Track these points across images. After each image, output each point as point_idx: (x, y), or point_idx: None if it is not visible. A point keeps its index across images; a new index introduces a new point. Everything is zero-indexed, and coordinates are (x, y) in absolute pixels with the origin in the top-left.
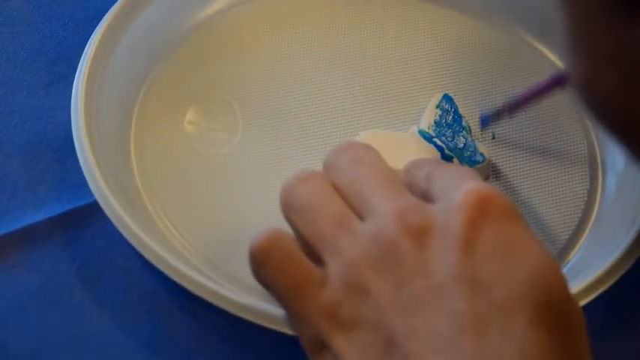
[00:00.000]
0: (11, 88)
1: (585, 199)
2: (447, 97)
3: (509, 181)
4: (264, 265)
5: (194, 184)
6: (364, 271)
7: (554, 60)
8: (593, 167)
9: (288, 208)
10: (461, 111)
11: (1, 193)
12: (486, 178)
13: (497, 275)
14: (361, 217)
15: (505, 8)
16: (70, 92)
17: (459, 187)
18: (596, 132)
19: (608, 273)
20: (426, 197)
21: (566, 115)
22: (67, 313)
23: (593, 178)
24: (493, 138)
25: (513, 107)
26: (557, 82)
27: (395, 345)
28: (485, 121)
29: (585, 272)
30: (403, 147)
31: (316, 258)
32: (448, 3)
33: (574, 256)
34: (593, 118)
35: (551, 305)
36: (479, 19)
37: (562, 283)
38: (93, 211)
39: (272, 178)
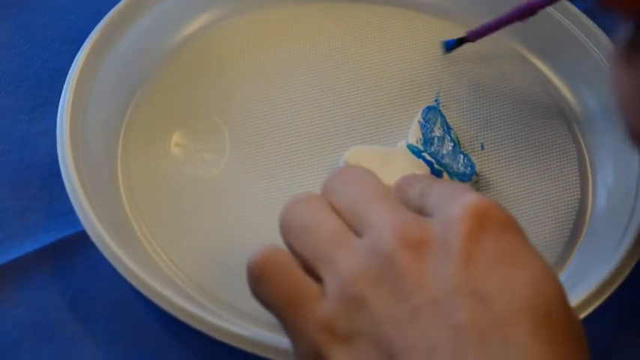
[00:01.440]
0: None
1: (577, 208)
2: (430, 109)
3: (500, 193)
4: (261, 280)
5: (183, 207)
6: (362, 285)
7: (543, 69)
8: (583, 176)
9: (286, 230)
10: (450, 123)
11: None
12: (477, 190)
13: (497, 286)
14: (358, 235)
15: (491, 16)
16: (55, 116)
17: (455, 200)
18: (585, 140)
19: (607, 283)
20: (422, 213)
21: (555, 125)
22: (61, 348)
23: (583, 187)
24: (482, 149)
25: (478, 33)
26: (520, 13)
27: (394, 358)
28: (449, 45)
29: (582, 283)
30: (392, 162)
31: (314, 276)
32: (436, 12)
33: (568, 266)
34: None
35: (552, 315)
36: (468, 27)
37: (561, 293)
38: (82, 239)
39: (261, 198)
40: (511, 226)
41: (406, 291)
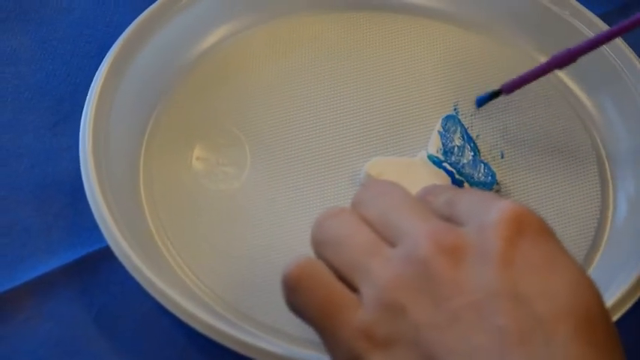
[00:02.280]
0: (18, 131)
1: (598, 216)
2: (449, 118)
3: (520, 202)
4: (297, 291)
5: (206, 222)
6: (399, 292)
7: (562, 77)
8: (603, 184)
9: (319, 244)
10: (469, 131)
11: (14, 241)
12: None
13: (537, 290)
14: (392, 244)
15: (510, 23)
16: (77, 131)
17: (490, 207)
18: (605, 148)
19: (630, 291)
20: (451, 222)
21: (575, 133)
22: None
23: (604, 195)
24: (502, 158)
25: (511, 86)
26: (556, 63)
27: None
28: (482, 100)
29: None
30: (413, 173)
31: (350, 287)
32: (451, 19)
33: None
34: None
35: (591, 318)
36: (484, 34)
37: (599, 297)
38: (106, 255)
39: (283, 211)
40: (547, 232)
41: (444, 296)
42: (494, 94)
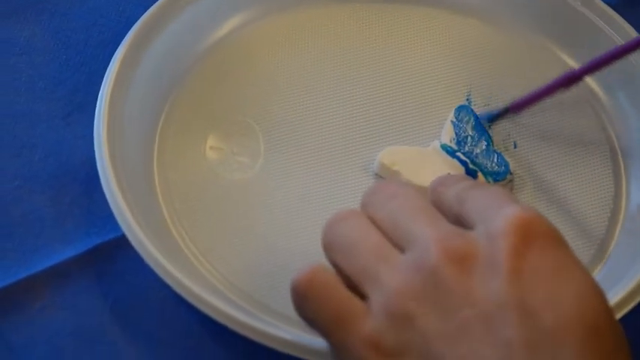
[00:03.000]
0: (32, 121)
1: (611, 205)
2: (462, 108)
3: (534, 191)
4: (306, 299)
5: (220, 211)
6: (407, 301)
7: (573, 64)
8: (616, 172)
9: (329, 248)
10: (482, 121)
11: (29, 230)
12: (511, 190)
13: (544, 301)
14: (401, 249)
15: (522, 13)
16: (91, 120)
17: (498, 211)
18: (617, 137)
19: None
20: (460, 221)
21: (588, 122)
22: (103, 352)
23: (617, 184)
24: (515, 147)
25: (520, 105)
26: (562, 82)
27: None
28: (491, 118)
29: (619, 281)
30: (426, 162)
31: (359, 294)
32: (464, 10)
33: (604, 264)
34: None
35: (600, 329)
36: (496, 25)
37: (608, 307)
38: (121, 244)
39: (296, 200)
40: (556, 239)
41: (453, 306)
42: (503, 113)
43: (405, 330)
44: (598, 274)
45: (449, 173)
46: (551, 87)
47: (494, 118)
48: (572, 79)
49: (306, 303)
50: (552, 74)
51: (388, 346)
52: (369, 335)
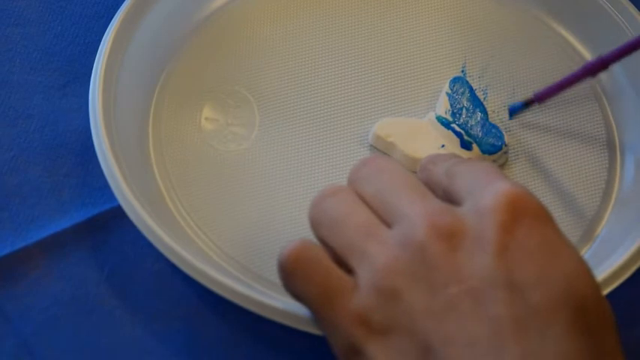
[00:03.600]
0: (27, 92)
1: (605, 178)
2: (457, 79)
3: (527, 163)
4: (294, 275)
5: (215, 182)
6: (395, 277)
7: (569, 38)
8: (611, 146)
9: (316, 224)
10: (477, 93)
11: (25, 201)
12: (505, 162)
13: (533, 279)
14: (389, 225)
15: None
16: (86, 92)
17: (486, 187)
18: (613, 111)
19: (636, 255)
20: (449, 197)
21: (583, 95)
22: (99, 322)
23: (611, 158)
24: (510, 119)
25: (544, 96)
26: (588, 71)
27: (432, 351)
28: (514, 111)
29: (611, 255)
30: (421, 134)
31: (346, 269)
32: None
33: (596, 238)
34: None
35: (587, 308)
36: None
37: (596, 286)
38: (117, 214)
39: (291, 170)
40: (544, 217)
41: (441, 283)
42: (527, 104)
43: (393, 306)
44: (585, 254)
45: (443, 145)
46: (578, 75)
47: (518, 109)
48: (599, 66)
49: (294, 278)
50: (549, 47)
51: (375, 321)
52: (356, 311)
